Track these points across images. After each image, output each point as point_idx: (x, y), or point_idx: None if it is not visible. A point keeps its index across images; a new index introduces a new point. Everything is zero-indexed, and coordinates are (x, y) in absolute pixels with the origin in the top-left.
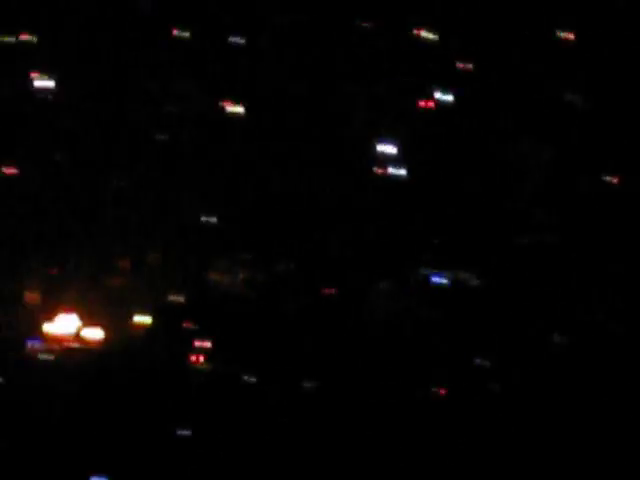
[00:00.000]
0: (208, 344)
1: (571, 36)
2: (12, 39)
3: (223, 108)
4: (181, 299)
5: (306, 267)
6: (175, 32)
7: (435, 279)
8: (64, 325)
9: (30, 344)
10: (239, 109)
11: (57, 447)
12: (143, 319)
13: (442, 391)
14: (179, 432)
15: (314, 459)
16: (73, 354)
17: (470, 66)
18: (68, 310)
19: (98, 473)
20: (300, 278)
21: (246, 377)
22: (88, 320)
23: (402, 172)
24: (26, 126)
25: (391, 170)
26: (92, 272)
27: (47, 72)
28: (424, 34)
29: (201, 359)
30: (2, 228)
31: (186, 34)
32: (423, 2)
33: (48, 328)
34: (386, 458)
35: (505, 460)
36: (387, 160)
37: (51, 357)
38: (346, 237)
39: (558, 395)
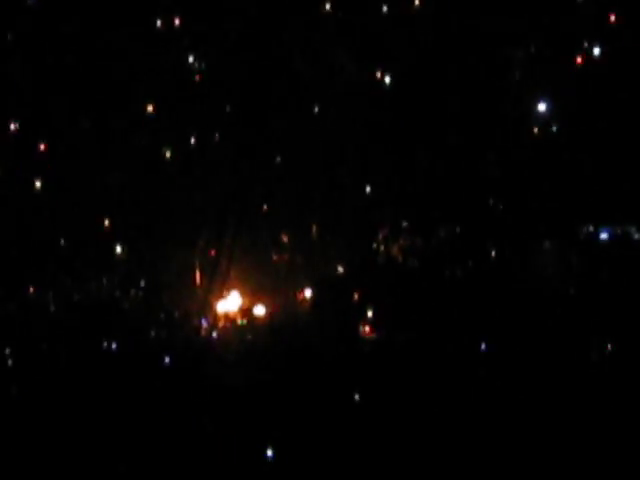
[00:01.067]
0: (372, 314)
1: None
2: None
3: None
4: (343, 270)
5: (469, 231)
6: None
7: (603, 235)
8: (229, 303)
9: (203, 322)
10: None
11: (230, 423)
12: (307, 293)
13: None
14: (352, 400)
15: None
16: (240, 331)
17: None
18: (232, 288)
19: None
20: (464, 242)
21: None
22: (253, 297)
23: (557, 129)
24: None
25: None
26: (256, 248)
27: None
28: None
29: (367, 329)
30: (172, 209)
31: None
32: None
33: (214, 307)
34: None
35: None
36: (545, 119)
37: (218, 335)
38: (508, 197)
39: None
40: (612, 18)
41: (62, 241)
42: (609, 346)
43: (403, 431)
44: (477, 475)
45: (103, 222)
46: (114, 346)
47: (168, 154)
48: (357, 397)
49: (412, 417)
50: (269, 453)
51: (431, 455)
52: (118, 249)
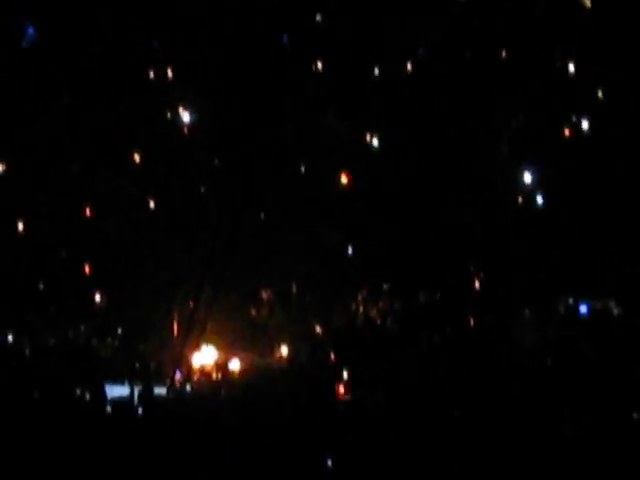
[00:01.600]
0: (348, 375)
1: None
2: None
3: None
4: (322, 330)
5: (450, 297)
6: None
7: (583, 309)
8: (205, 357)
9: (177, 374)
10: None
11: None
12: (283, 350)
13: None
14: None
15: None
16: (213, 384)
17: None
18: (209, 342)
19: None
20: (444, 308)
21: (386, 408)
22: (229, 351)
23: (541, 201)
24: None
25: (535, 199)
26: (234, 303)
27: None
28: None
29: (341, 390)
30: (151, 259)
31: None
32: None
33: (190, 359)
34: None
35: None
36: (531, 190)
37: (193, 388)
38: (490, 266)
39: None
40: (600, 94)
41: (40, 286)
42: (584, 418)
43: None
44: None
45: (83, 269)
46: (87, 394)
47: (152, 204)
48: (330, 458)
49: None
50: None
51: None
52: (97, 297)
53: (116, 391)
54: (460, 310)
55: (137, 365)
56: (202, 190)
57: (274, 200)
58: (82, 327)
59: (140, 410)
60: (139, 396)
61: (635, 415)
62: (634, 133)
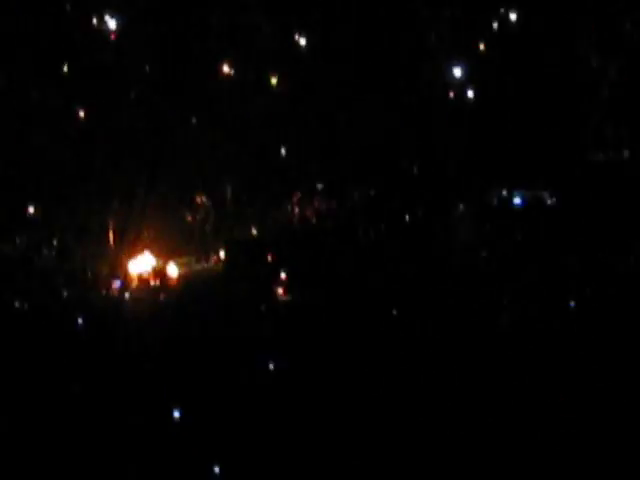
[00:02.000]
0: (285, 276)
1: None
2: None
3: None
4: (257, 232)
5: (385, 194)
6: None
7: (516, 200)
8: (142, 264)
9: (115, 282)
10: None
11: (141, 384)
12: (221, 253)
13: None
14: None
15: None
16: (153, 291)
17: None
18: (146, 249)
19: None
20: (379, 205)
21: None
22: (166, 258)
23: (472, 93)
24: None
25: (466, 93)
26: (170, 209)
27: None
28: None
29: (280, 291)
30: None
31: None
32: None
33: (128, 267)
34: None
35: None
36: (459, 83)
37: (131, 295)
38: (423, 161)
39: None
40: None
41: None
42: (520, 309)
43: (313, 393)
44: None
45: (17, 182)
46: (26, 305)
47: (82, 114)
48: (270, 359)
49: (322, 380)
50: (176, 414)
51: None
52: (31, 209)
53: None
54: (394, 206)
55: (75, 275)
56: (133, 96)
57: (206, 104)
58: (17, 240)
59: (80, 319)
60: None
61: (571, 303)
62: (560, 23)
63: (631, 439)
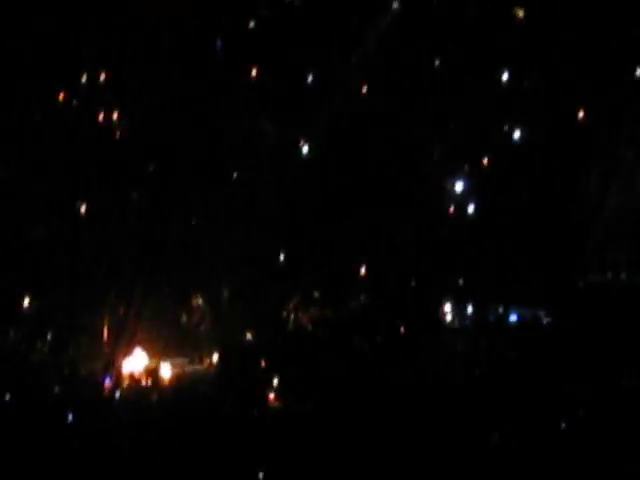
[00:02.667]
0: (277, 382)
1: None
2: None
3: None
4: (252, 337)
5: (379, 304)
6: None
7: (512, 317)
8: (134, 363)
9: (105, 380)
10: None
11: None
12: (214, 357)
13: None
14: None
15: None
16: (143, 391)
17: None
18: (139, 347)
19: None
20: (373, 315)
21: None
22: (159, 357)
23: (472, 210)
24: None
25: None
26: (165, 309)
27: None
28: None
29: (272, 397)
30: (83, 264)
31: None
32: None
33: (119, 365)
34: None
35: None
36: (461, 199)
37: (121, 394)
38: (420, 274)
39: None
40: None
41: None
42: (512, 429)
43: None
44: None
45: (12, 273)
46: (15, 400)
47: (83, 209)
48: (260, 467)
49: None
50: None
51: None
52: (26, 302)
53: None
54: (391, 317)
55: (66, 372)
56: (132, 195)
57: (205, 205)
58: (11, 333)
59: (70, 416)
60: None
61: (563, 424)
62: (565, 144)
63: None
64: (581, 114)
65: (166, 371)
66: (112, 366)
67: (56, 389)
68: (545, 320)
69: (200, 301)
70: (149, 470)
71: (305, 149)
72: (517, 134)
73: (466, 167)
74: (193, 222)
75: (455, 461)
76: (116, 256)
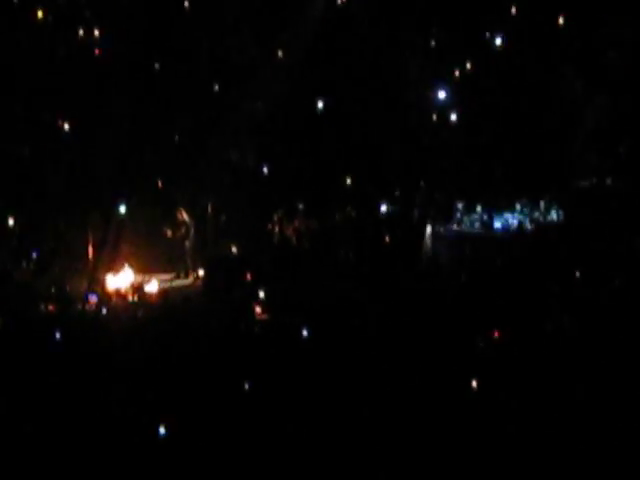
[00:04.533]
0: (264, 295)
1: None
2: None
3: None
4: (237, 250)
5: (364, 214)
6: None
7: (496, 224)
8: (120, 279)
9: (89, 298)
10: None
11: (120, 402)
12: (200, 271)
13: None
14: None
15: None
16: (130, 307)
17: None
18: (125, 263)
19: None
20: (359, 226)
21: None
22: (146, 273)
23: (454, 117)
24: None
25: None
26: (150, 224)
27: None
28: None
29: (258, 310)
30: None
31: None
32: None
33: (107, 282)
34: None
35: None
36: (443, 106)
37: (107, 310)
38: (405, 183)
39: None
40: (513, 10)
41: None
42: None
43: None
44: None
45: None
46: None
47: (66, 126)
48: (247, 380)
49: (303, 403)
50: (162, 430)
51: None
52: (10, 221)
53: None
54: (375, 228)
55: (52, 290)
56: (117, 109)
57: (188, 121)
58: None
59: (57, 333)
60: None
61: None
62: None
63: None
64: (560, 20)
65: (152, 286)
66: (97, 283)
67: (42, 307)
68: (529, 226)
69: (185, 216)
70: (140, 386)
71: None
72: (498, 41)
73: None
74: (177, 136)
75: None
76: (101, 171)
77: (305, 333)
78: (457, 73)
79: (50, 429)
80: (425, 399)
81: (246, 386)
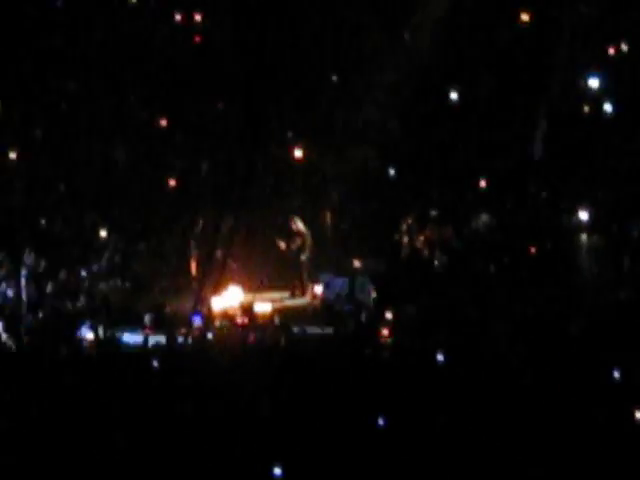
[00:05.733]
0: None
1: None
2: None
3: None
4: (360, 265)
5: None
6: None
7: None
8: (228, 299)
9: (194, 320)
10: None
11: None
12: (317, 289)
13: None
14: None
15: None
16: (241, 331)
17: None
18: (232, 282)
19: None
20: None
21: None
22: (256, 292)
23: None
24: None
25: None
26: (260, 237)
27: None
28: None
29: (385, 332)
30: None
31: None
32: None
33: (214, 302)
34: None
35: None
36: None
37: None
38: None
39: None
40: None
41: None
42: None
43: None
44: None
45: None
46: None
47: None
48: (371, 413)
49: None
50: (277, 471)
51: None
52: (103, 234)
53: (129, 339)
54: (523, 236)
55: (150, 311)
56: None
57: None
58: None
59: (155, 363)
60: (154, 346)
61: None
62: None
63: None
64: None
65: (264, 307)
66: (202, 304)
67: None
68: None
69: (300, 225)
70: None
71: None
72: None
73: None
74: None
75: None
76: (202, 181)
77: (442, 360)
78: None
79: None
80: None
81: (377, 422)
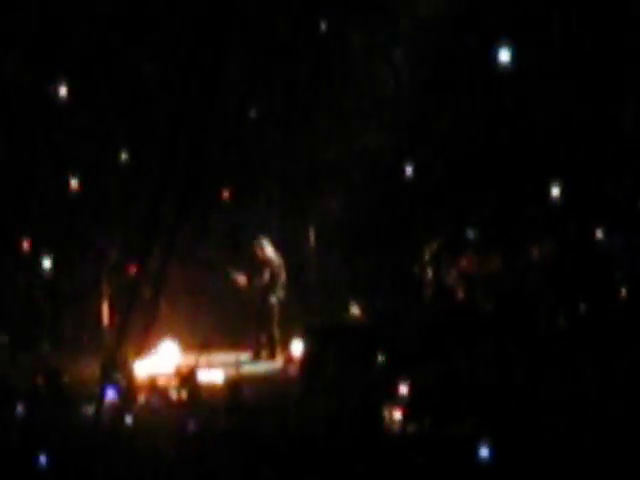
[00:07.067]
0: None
1: None
2: None
3: None
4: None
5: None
6: None
7: None
8: (159, 362)
9: (106, 395)
10: None
11: None
12: (295, 348)
13: None
14: None
15: None
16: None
17: None
18: (167, 336)
19: None
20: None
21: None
22: (200, 352)
23: None
24: None
25: None
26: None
27: None
28: None
29: (398, 414)
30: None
31: None
32: None
33: (137, 367)
34: None
35: None
36: None
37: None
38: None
39: None
40: None
41: None
42: None
43: None
44: None
45: None
46: None
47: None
48: None
49: None
50: None
51: None
52: None
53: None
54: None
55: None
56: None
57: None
58: None
59: (43, 459)
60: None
61: None
62: None
63: None
64: None
65: (212, 375)
66: (119, 370)
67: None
68: None
69: (268, 252)
70: None
71: None
72: None
73: None
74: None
75: None
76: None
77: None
78: None
79: None
80: None
81: None
